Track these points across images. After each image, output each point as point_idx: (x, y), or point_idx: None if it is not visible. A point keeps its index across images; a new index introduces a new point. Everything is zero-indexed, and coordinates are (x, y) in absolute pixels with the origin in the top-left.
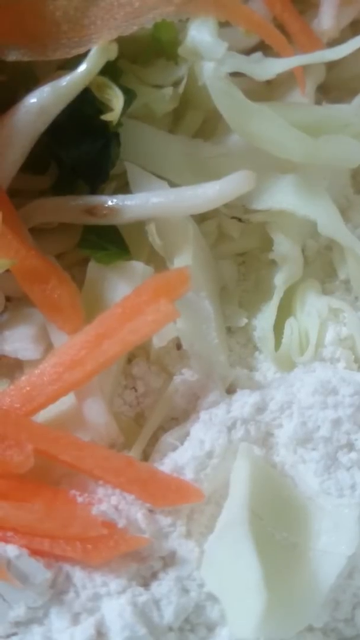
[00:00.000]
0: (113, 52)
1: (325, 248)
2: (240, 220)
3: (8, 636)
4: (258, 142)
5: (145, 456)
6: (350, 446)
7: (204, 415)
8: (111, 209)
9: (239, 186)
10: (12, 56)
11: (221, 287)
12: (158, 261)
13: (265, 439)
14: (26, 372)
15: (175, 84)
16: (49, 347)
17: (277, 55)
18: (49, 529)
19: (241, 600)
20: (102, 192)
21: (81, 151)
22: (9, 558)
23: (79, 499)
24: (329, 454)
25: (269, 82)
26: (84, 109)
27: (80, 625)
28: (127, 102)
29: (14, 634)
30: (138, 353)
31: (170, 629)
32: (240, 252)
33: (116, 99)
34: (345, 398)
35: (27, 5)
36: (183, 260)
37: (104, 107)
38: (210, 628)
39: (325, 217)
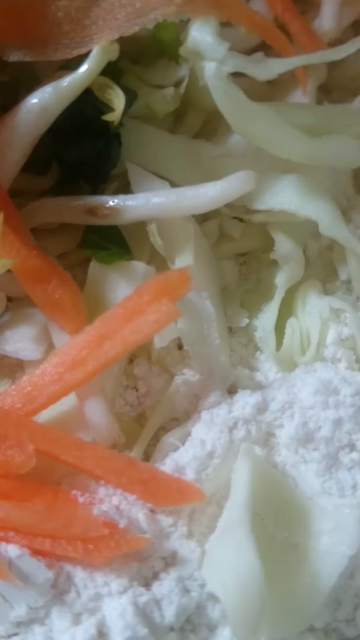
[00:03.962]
0: (114, 53)
1: (327, 248)
2: (241, 220)
3: (9, 636)
4: (259, 142)
5: (147, 456)
6: (351, 446)
7: (205, 415)
8: (112, 209)
9: (240, 186)
10: (14, 56)
11: (222, 287)
12: (159, 261)
13: (267, 439)
14: (27, 372)
15: (177, 84)
16: (50, 347)
17: (278, 55)
18: (50, 529)
19: (242, 601)
20: (103, 193)
21: (82, 151)
22: (10, 558)
23: (80, 499)
24: (330, 454)
25: (270, 82)
26: (85, 110)
27: (82, 626)
28: (128, 103)
29: (15, 634)
30: (139, 353)
31: (172, 629)
32: (241, 252)
33: (117, 99)
34: (347, 398)
35: (29, 5)
36: (184, 260)
37: (106, 108)
38: (212, 628)
39: (327, 218)
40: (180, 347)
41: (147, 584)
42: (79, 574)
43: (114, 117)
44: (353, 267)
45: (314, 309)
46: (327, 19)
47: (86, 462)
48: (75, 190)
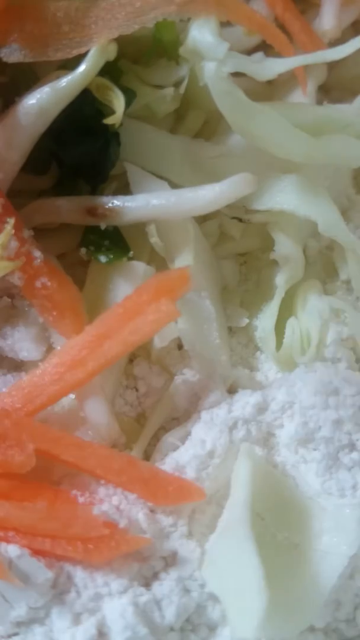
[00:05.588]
0: (112, 53)
1: (327, 248)
2: (241, 220)
3: (9, 636)
4: (259, 142)
5: (147, 456)
6: (351, 446)
7: (205, 415)
8: (112, 210)
9: (239, 189)
10: (14, 57)
11: (222, 287)
12: (159, 261)
13: (267, 439)
14: (27, 372)
15: (177, 84)
16: (50, 347)
17: (278, 55)
18: (50, 529)
19: (242, 601)
20: (102, 193)
21: (81, 151)
22: (10, 558)
23: (80, 499)
24: (330, 454)
25: (270, 82)
26: (84, 110)
27: (82, 626)
28: (127, 102)
29: (16, 634)
30: (139, 353)
31: (172, 629)
32: (241, 252)
33: (117, 100)
34: (347, 398)
35: (29, 6)
36: (184, 260)
37: (104, 108)
38: (212, 628)
39: (326, 218)
40: (180, 347)
41: (147, 584)
42: (79, 574)
43: (115, 119)
44: (353, 267)
45: (314, 309)
46: (327, 19)
47: (86, 462)
48: (75, 190)
